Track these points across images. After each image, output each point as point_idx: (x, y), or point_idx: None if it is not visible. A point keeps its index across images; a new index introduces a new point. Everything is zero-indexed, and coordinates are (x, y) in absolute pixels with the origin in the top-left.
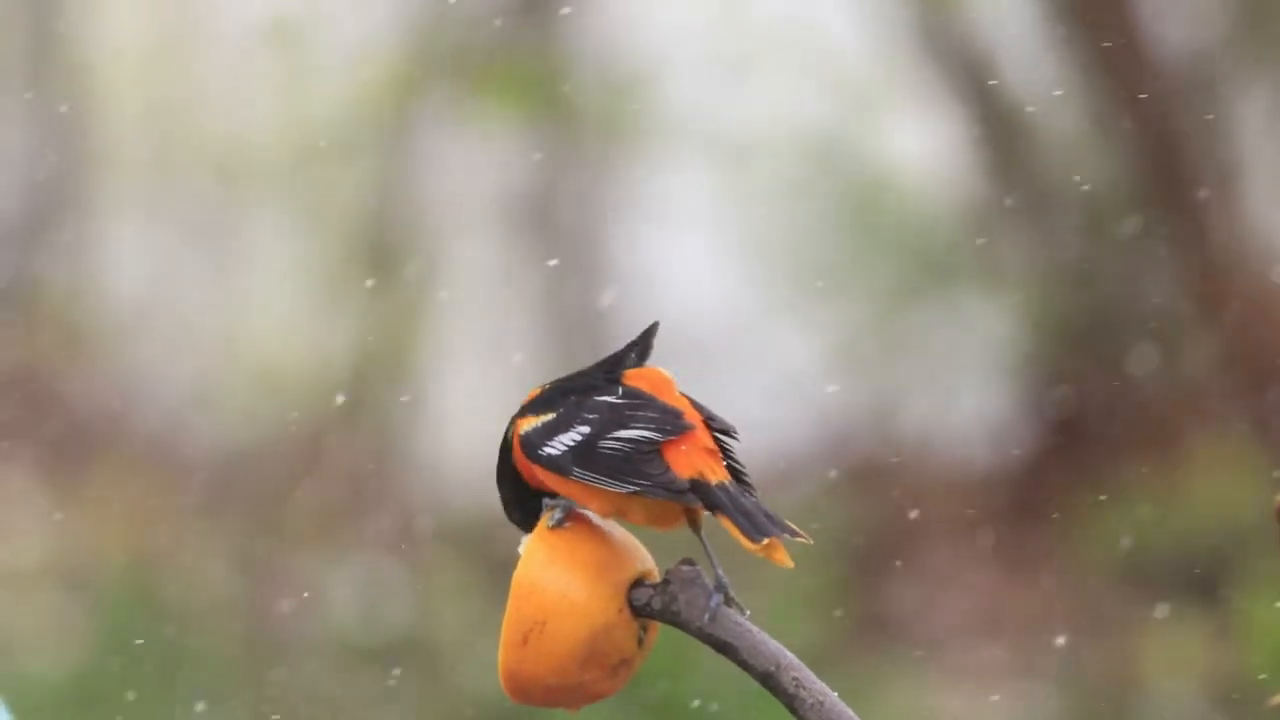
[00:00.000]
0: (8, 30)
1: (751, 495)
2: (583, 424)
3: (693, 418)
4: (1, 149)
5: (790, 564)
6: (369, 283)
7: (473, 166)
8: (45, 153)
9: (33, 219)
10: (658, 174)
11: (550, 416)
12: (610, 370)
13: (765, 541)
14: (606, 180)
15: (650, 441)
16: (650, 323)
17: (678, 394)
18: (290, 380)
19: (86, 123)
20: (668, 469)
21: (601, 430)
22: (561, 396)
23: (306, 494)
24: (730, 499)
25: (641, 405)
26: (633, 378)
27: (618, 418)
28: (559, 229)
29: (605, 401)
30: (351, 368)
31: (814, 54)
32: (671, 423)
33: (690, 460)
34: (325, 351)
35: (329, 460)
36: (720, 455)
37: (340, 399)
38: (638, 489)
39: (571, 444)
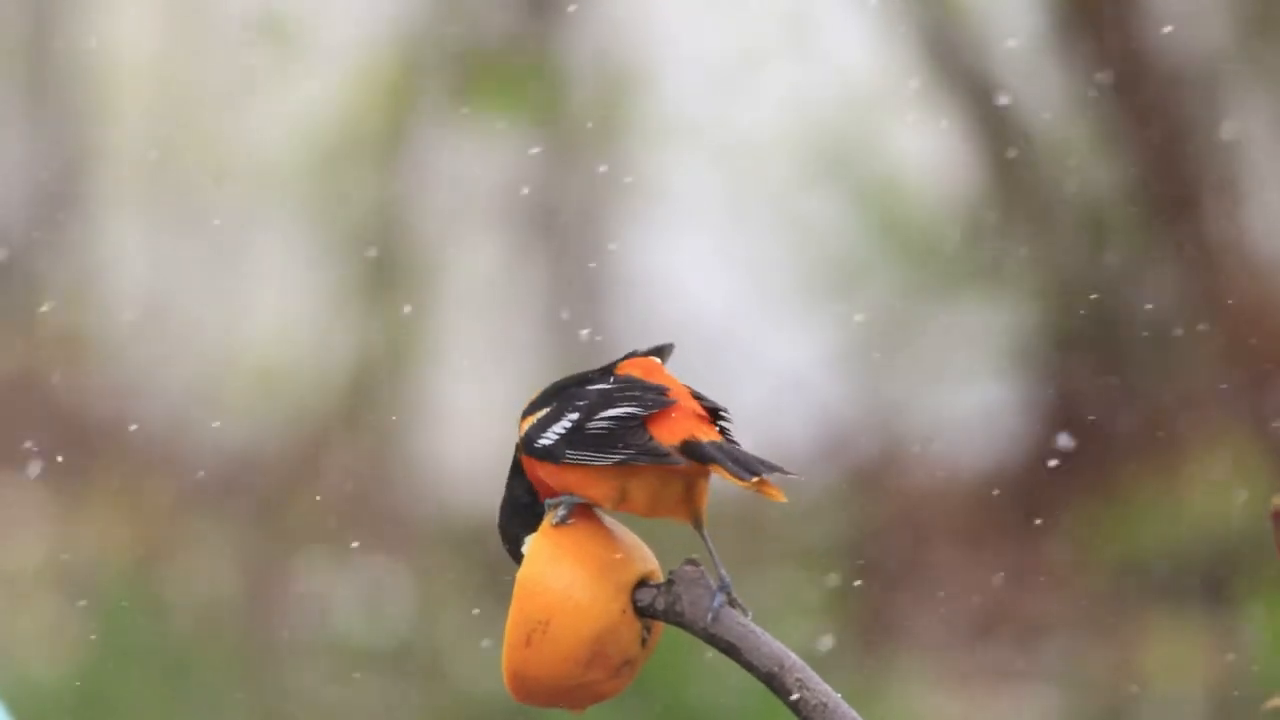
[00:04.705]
0: (9, 31)
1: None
2: (573, 411)
3: (678, 392)
4: (3, 150)
5: (783, 499)
6: (371, 285)
7: (474, 169)
8: (47, 154)
9: (35, 221)
10: (661, 175)
11: (545, 411)
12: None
13: (755, 479)
14: (609, 181)
15: (634, 416)
16: (665, 343)
17: (666, 375)
18: (292, 382)
19: (89, 124)
20: (651, 437)
21: (590, 413)
22: (557, 392)
23: (308, 496)
24: (721, 450)
25: (629, 387)
26: (626, 367)
27: (605, 401)
28: (561, 231)
29: (596, 389)
30: (353, 370)
31: (819, 56)
32: (653, 398)
33: (680, 427)
34: (327, 354)
35: (330, 463)
36: (712, 423)
37: (341, 401)
38: (624, 458)
39: (563, 431)
